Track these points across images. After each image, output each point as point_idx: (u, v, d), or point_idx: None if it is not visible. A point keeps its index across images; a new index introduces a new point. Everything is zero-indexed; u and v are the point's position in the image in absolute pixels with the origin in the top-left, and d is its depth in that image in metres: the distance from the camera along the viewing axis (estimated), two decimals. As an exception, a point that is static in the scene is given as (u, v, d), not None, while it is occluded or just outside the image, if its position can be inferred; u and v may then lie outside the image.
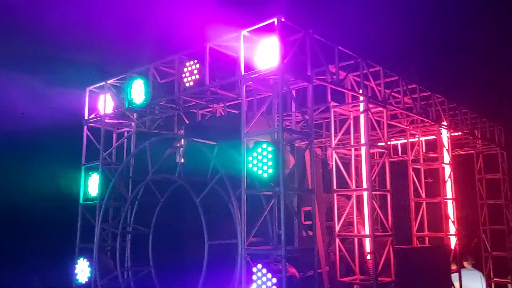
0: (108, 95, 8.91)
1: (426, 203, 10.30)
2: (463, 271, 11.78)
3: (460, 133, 11.64)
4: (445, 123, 10.45)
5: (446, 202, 10.14)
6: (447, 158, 10.49)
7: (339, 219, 7.93)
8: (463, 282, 11.47)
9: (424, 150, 11.62)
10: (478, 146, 13.24)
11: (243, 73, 6.49)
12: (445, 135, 10.68)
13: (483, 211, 13.14)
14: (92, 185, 8.84)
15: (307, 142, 6.50)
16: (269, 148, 5.97)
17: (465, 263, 12.25)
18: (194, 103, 8.57)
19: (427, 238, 10.20)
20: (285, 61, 6.15)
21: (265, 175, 5.97)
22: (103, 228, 8.50)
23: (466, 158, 14.15)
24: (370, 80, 8.25)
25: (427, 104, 10.24)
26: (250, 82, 6.58)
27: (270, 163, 5.94)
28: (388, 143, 13.13)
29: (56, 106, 9.21)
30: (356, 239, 7.98)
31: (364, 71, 7.93)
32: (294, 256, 6.49)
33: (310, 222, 6.61)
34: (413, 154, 10.98)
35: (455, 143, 12.77)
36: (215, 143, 7.45)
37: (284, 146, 6.10)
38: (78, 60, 9.23)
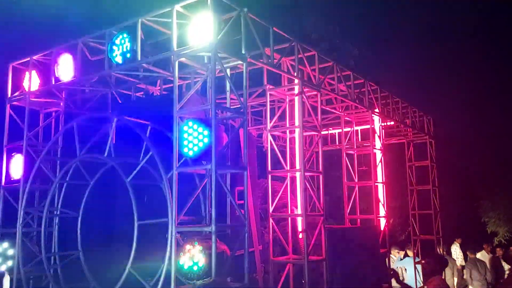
0: (34, 72, 8.40)
1: (359, 188, 10.70)
2: (410, 259, 12.34)
3: (392, 123, 12.19)
4: (377, 110, 10.88)
5: (377, 185, 10.59)
6: (378, 144, 10.95)
7: (273, 200, 8.03)
8: (409, 269, 12.01)
9: (359, 140, 12.08)
10: (409, 135, 13.93)
11: (175, 49, 6.36)
12: (377, 122, 11.14)
13: (412, 196, 13.83)
14: (15, 167, 8.31)
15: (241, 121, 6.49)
16: (202, 125, 5.89)
17: (409, 252, 12.85)
18: (127, 83, 8.31)
19: (358, 220, 10.61)
20: (218, 37, 6.09)
21: (194, 152, 5.90)
22: (27, 212, 8.03)
23: (398, 147, 14.87)
24: (306, 65, 8.39)
25: (360, 93, 10.59)
26: (183, 59, 6.46)
27: (202, 140, 5.87)
28: (325, 132, 13.60)
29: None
30: (289, 219, 8.12)
31: (299, 56, 8.04)
32: (226, 234, 6.49)
33: (243, 202, 6.62)
34: (347, 140, 11.37)
35: (388, 132, 13.38)
36: (147, 123, 7.25)
37: (217, 123, 6.05)
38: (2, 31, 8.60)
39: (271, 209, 7.96)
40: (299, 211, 7.90)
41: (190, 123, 5.96)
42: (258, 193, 9.17)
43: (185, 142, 5.97)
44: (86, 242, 7.75)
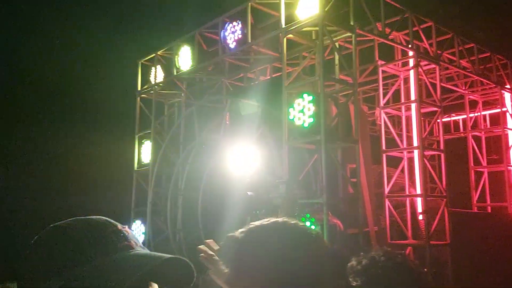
0: (159, 67, 9.25)
1: (489, 173, 9.65)
2: None
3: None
4: (508, 86, 9.72)
5: (510, 169, 9.44)
6: (511, 123, 9.77)
7: (388, 182, 7.65)
8: None
9: (488, 126, 10.88)
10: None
11: (283, 26, 6.47)
12: (508, 100, 9.95)
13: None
14: (145, 152, 9.24)
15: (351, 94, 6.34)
16: (310, 98, 5.90)
17: None
18: (239, 71, 8.70)
19: (489, 208, 9.56)
20: (326, 9, 6.05)
21: (303, 126, 5.92)
22: (155, 192, 8.85)
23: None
24: (422, 38, 7.87)
25: (486, 69, 9.56)
26: (291, 36, 6.54)
27: (311, 113, 5.87)
28: (446, 118, 12.52)
29: (112, 79, 9.72)
30: (408, 202, 7.65)
31: (414, 28, 7.58)
32: (338, 210, 6.36)
33: (355, 180, 6.45)
34: (472, 122, 10.36)
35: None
36: (258, 104, 7.49)
37: (325, 97, 6.01)
38: (130, 34, 9.67)
39: (386, 190, 7.59)
40: (418, 191, 7.41)
41: (299, 98, 6.00)
42: (372, 178, 8.81)
43: (295, 117, 6.03)
44: (205, 221, 8.26)
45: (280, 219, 1.49)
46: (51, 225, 1.20)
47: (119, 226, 1.22)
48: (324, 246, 1.49)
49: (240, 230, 1.50)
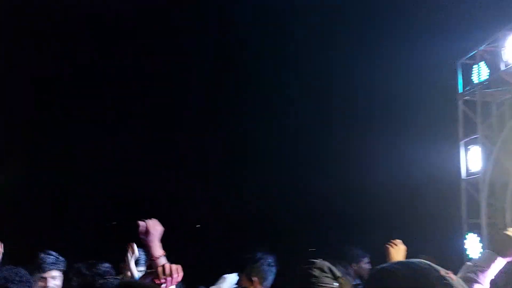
0: (482, 64, 8.35)
1: None
2: None
3: None
4: None
5: None
6: None
7: None
8: None
9: None
10: None
11: None
12: None
13: None
14: (473, 159, 8.44)
15: None
16: None
17: None
18: None
19: None
20: None
21: None
22: (489, 203, 7.94)
23: None
24: None
25: None
26: None
27: None
28: None
29: (429, 83, 9.45)
30: None
31: None
32: None
33: None
34: None
35: None
36: None
37: None
38: (446, 33, 9.15)
39: None
40: None
41: None
42: None
43: None
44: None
45: None
46: (378, 267, 1.29)
47: (442, 271, 1.19)
48: None
49: None
